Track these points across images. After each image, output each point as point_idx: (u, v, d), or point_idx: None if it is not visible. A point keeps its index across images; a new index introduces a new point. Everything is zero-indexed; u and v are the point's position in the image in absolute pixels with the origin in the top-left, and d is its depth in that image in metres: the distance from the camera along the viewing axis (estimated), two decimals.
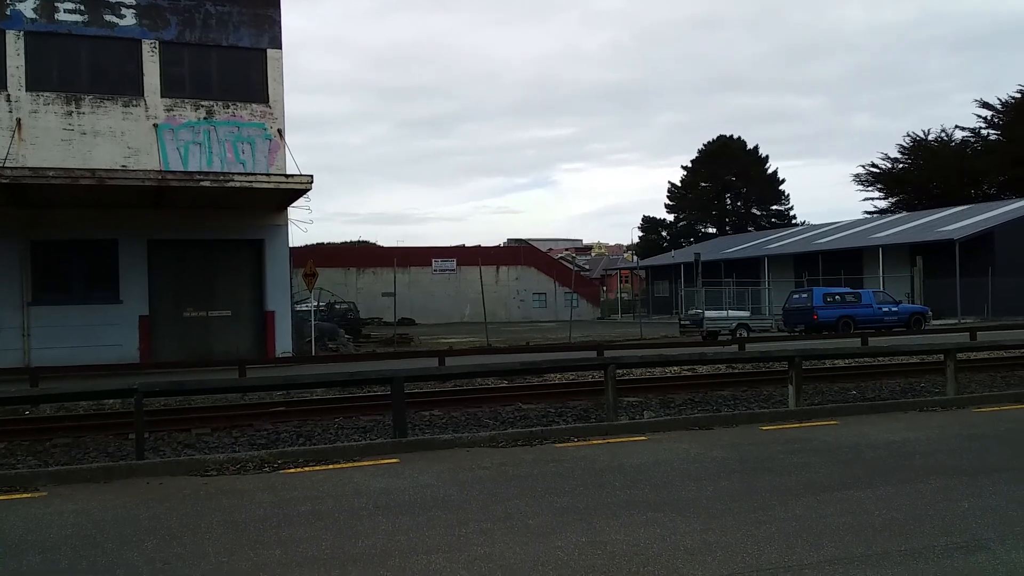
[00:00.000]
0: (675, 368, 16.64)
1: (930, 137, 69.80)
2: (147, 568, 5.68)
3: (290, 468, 8.76)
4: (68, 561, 5.85)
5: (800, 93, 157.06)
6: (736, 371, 16.54)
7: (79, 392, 9.91)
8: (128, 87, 22.45)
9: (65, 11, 21.95)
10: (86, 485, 8.22)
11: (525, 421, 11.35)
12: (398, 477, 8.26)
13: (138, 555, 5.97)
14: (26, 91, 21.51)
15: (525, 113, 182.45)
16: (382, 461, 9.06)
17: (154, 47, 22.68)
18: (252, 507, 7.20)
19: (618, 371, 11.09)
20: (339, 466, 8.86)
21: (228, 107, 23.21)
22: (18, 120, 21.35)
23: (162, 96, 22.63)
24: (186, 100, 22.85)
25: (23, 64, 21.55)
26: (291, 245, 24.58)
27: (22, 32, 21.54)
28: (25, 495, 7.87)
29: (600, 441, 9.93)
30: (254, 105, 23.42)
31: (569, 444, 9.81)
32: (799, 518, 6.46)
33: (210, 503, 7.40)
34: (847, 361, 16.48)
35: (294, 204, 22.97)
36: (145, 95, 22.48)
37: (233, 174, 20.75)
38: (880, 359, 16.37)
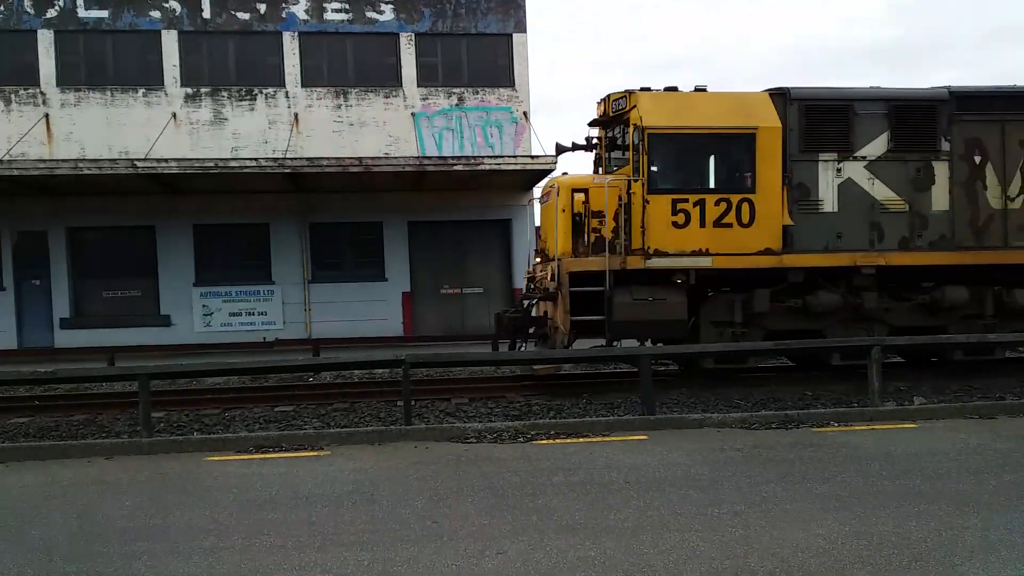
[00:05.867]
0: None
1: None
2: (418, 525, 6.13)
3: (542, 439, 9.07)
4: (350, 514, 6.46)
5: None
6: None
7: (354, 362, 10.85)
8: (388, 79, 24.08)
9: (332, 11, 23.91)
10: (362, 447, 9.00)
11: (779, 403, 10.93)
12: (647, 454, 8.29)
13: (409, 512, 6.46)
14: (301, 87, 23.72)
15: (783, 79, 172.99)
16: (631, 437, 9.13)
17: (410, 39, 24.12)
18: (509, 474, 7.54)
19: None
20: (589, 440, 9.04)
21: (477, 93, 24.21)
22: (295, 115, 23.61)
23: (418, 86, 24.04)
24: (439, 88, 24.12)
25: (298, 63, 23.77)
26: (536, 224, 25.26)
27: (296, 33, 23.75)
28: (311, 453, 8.76)
29: (863, 427, 9.35)
30: (501, 89, 24.25)
31: (828, 429, 9.34)
32: None
33: (471, 468, 7.83)
34: None
35: (539, 184, 23.58)
36: (403, 85, 24.01)
37: (483, 157, 21.63)
38: None
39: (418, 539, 5.82)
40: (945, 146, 11.95)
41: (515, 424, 9.46)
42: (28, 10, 22.57)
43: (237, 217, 22.79)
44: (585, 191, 11.72)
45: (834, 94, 11.91)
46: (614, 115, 12.01)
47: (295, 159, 20.65)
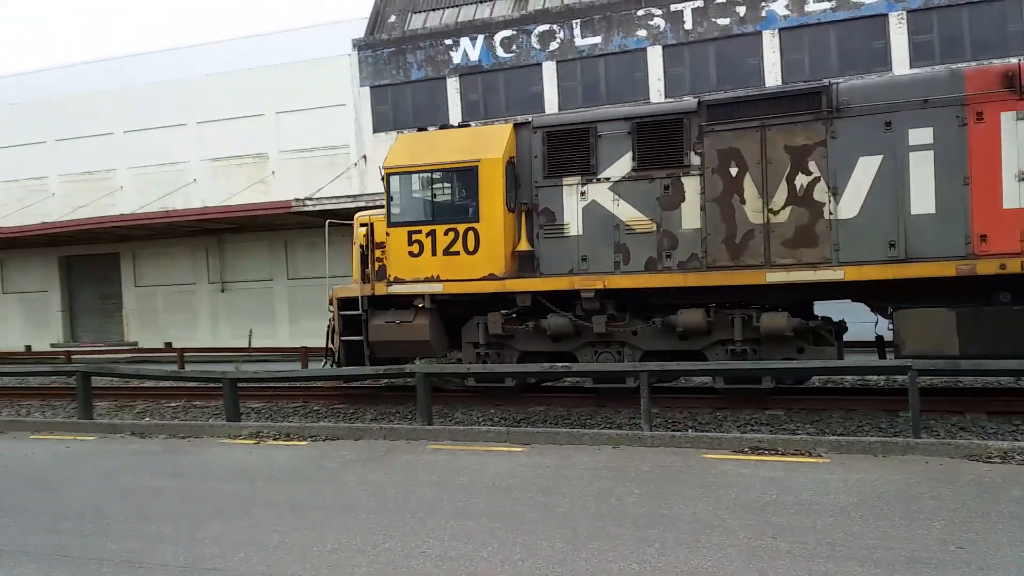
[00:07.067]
0: None
1: None
2: (939, 548, 5.59)
3: None
4: (858, 527, 6.12)
5: None
6: None
7: (853, 367, 10.41)
8: (875, 63, 22.48)
9: (814, 1, 23.08)
10: (862, 456, 8.46)
11: None
12: None
13: (926, 532, 5.92)
14: (781, 84, 23.27)
15: None
16: None
17: (901, 18, 22.25)
18: None
19: None
20: None
21: (984, 65, 21.41)
22: None
23: (910, 66, 22.07)
24: (936, 67, 21.85)
25: (778, 60, 23.36)
26: None
27: (777, 30, 23.38)
28: (808, 459, 8.48)
29: None
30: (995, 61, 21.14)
31: None
32: None
33: (997, 492, 6.90)
34: None
35: None
36: (892, 68, 22.24)
37: None
38: None
39: (940, 564, 5.29)
40: (695, 160, 11.16)
41: None
42: (535, 46, 25.66)
43: None
44: (369, 225, 13.02)
45: (575, 118, 12.21)
46: None
47: None
